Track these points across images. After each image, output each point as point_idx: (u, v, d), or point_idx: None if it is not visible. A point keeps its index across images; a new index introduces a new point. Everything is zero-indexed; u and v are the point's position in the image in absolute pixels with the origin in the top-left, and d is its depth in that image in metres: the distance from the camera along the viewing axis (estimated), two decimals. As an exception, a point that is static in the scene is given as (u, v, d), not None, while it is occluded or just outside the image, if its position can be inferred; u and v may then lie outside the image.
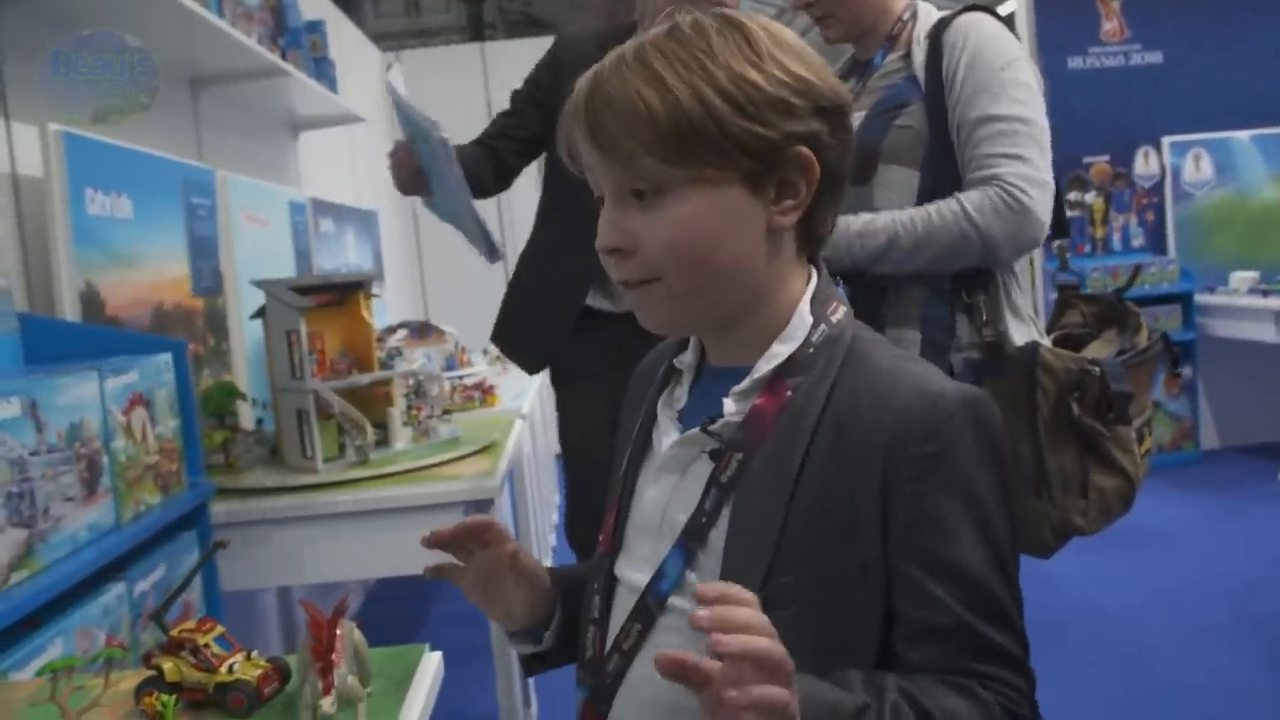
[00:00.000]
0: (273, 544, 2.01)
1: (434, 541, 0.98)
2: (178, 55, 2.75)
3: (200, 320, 2.61)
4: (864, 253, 1.70)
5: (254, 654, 1.07)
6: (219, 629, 1.09)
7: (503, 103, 2.53)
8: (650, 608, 0.87)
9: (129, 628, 1.67)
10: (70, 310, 2.03)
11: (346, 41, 4.93)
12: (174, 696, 1.03)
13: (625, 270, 0.86)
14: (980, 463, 0.83)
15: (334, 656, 0.96)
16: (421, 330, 3.63)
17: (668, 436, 0.93)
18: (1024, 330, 1.71)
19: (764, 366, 0.87)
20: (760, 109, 0.82)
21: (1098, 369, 1.58)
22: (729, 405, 0.87)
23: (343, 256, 3.99)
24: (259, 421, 2.56)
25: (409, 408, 2.38)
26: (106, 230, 2.17)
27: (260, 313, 2.30)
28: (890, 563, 0.82)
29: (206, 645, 1.06)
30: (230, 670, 1.04)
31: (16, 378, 1.52)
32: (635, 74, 0.82)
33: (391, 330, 3.39)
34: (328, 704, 0.94)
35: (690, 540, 0.86)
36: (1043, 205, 1.65)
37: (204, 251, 2.67)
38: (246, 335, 2.82)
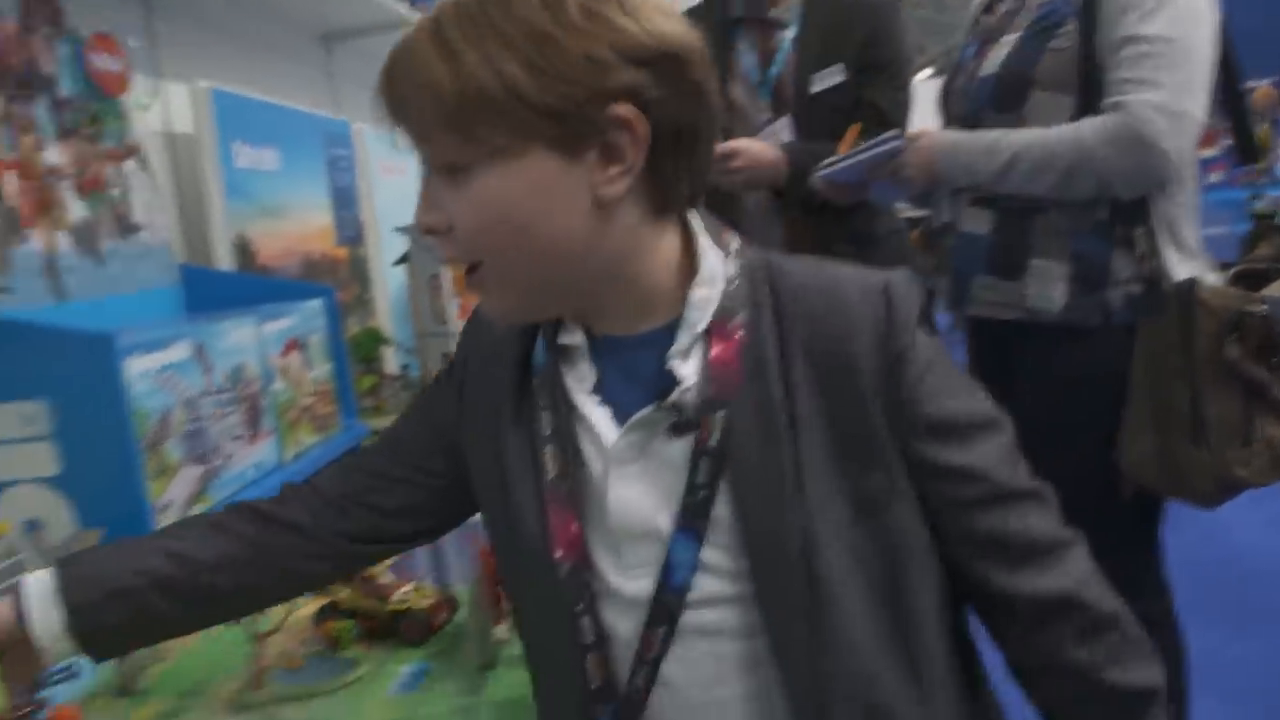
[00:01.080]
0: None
1: None
2: (310, 11, 2.79)
3: (344, 269, 2.68)
4: (985, 171, 1.62)
5: (424, 584, 1.10)
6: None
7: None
8: (669, 606, 0.77)
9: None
10: (225, 261, 2.09)
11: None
12: (350, 623, 1.07)
13: (448, 249, 0.77)
14: (931, 343, 0.79)
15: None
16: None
17: (602, 425, 0.79)
18: (1190, 266, 1.59)
19: (696, 315, 0.77)
20: (559, 67, 0.70)
21: (1262, 308, 1.47)
22: (681, 368, 0.76)
23: (474, 205, 4.04)
24: (404, 366, 2.61)
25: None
26: (255, 183, 2.22)
27: (404, 259, 2.34)
28: (914, 477, 0.78)
29: (379, 575, 1.09)
30: (403, 600, 1.07)
31: (184, 323, 1.58)
32: (428, 42, 0.72)
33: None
34: (501, 630, 0.95)
35: (693, 521, 0.76)
36: (1172, 138, 1.50)
37: (345, 201, 2.73)
38: (389, 281, 2.88)
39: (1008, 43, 1.66)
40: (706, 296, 0.77)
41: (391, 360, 2.59)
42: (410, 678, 1.00)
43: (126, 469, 1.32)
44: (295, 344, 1.83)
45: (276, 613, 1.05)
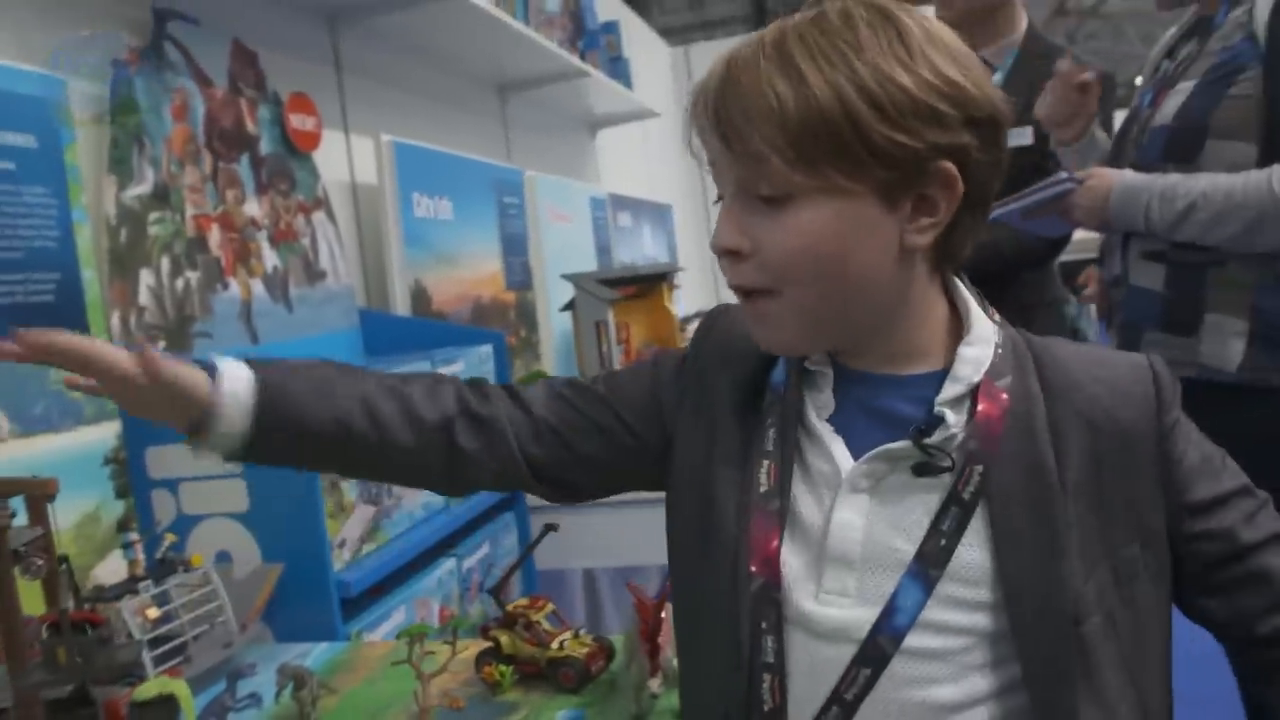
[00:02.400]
0: (582, 527, 2.10)
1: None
2: (487, 64, 2.91)
3: (512, 313, 2.77)
4: (1161, 217, 1.55)
5: (581, 632, 1.12)
6: (550, 606, 1.15)
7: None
8: (883, 647, 0.75)
9: (459, 600, 1.79)
10: (402, 305, 2.20)
11: (636, 39, 5.06)
12: (509, 668, 1.10)
13: (740, 275, 0.77)
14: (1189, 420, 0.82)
15: (660, 639, 0.98)
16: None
17: (837, 451, 0.79)
18: None
19: (967, 371, 0.78)
20: (905, 115, 0.71)
21: None
22: (949, 415, 0.77)
23: (640, 249, 4.11)
24: (567, 409, 2.68)
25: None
26: (431, 231, 2.33)
27: (570, 305, 2.40)
28: (1179, 530, 0.79)
29: (539, 622, 1.13)
30: (561, 646, 1.10)
31: (378, 366, 1.67)
32: (771, 64, 0.73)
33: (689, 320, 3.45)
34: (655, 685, 0.97)
35: (928, 567, 0.75)
36: None
37: (515, 248, 2.82)
38: (554, 326, 2.96)
39: (1183, 90, 1.59)
40: (979, 355, 0.78)
41: (555, 402, 2.66)
42: (566, 724, 1.03)
43: (310, 508, 1.40)
44: (465, 388, 1.91)
45: (441, 651, 1.10)
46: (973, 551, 0.75)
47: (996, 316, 0.83)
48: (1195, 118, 1.55)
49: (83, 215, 1.37)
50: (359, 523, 1.51)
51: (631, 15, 5.19)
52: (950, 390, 0.77)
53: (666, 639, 0.99)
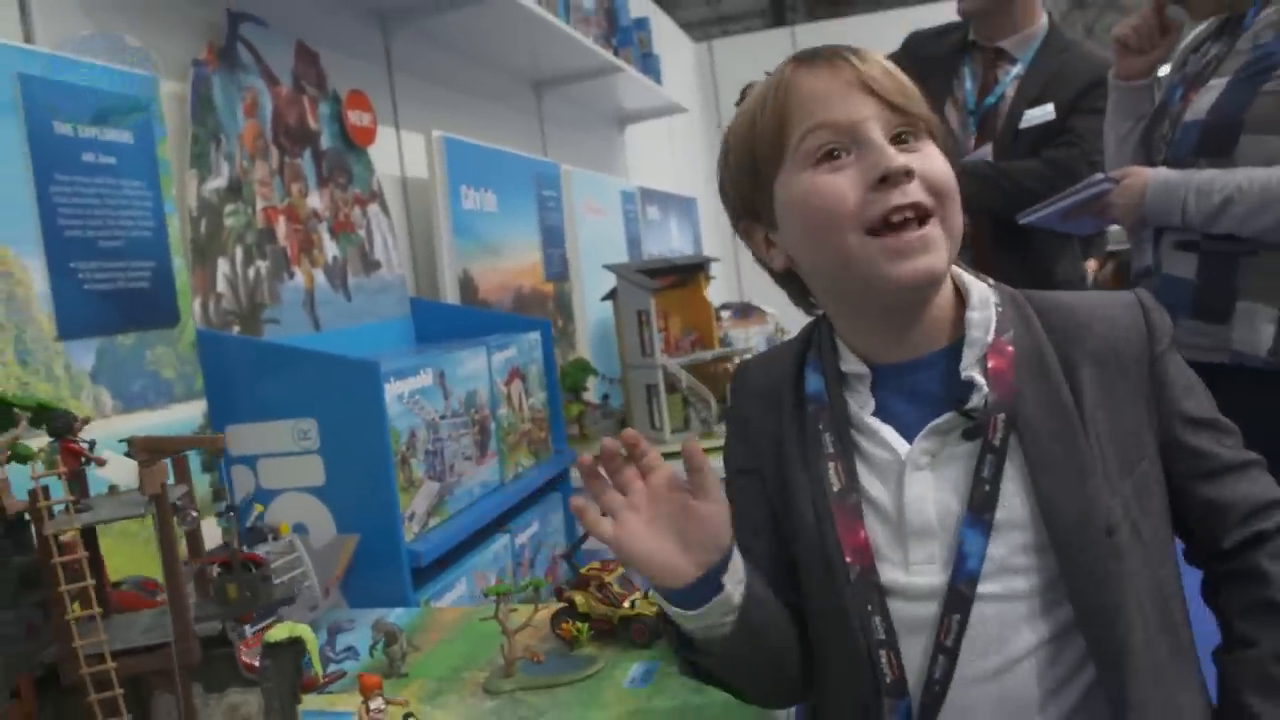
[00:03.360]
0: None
1: (589, 472, 0.85)
2: (524, 61, 3.00)
3: (551, 303, 2.86)
4: (1198, 211, 1.61)
5: (650, 593, 1.21)
6: (620, 570, 1.24)
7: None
8: (963, 592, 0.84)
9: (511, 574, 1.88)
10: (451, 294, 2.29)
11: (663, 34, 5.14)
12: (585, 624, 1.19)
13: (912, 193, 0.85)
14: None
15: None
16: (743, 311, 3.75)
17: (892, 438, 0.89)
18: None
19: (978, 334, 0.89)
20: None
21: None
22: (978, 379, 0.86)
23: (668, 242, 4.19)
24: (605, 397, 2.76)
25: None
26: (477, 223, 2.42)
27: (611, 294, 2.48)
28: (1171, 440, 0.90)
29: (610, 583, 1.21)
30: (632, 606, 1.18)
31: (426, 352, 1.76)
32: (886, 61, 0.90)
33: (722, 309, 3.53)
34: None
35: (980, 513, 0.85)
36: None
37: (553, 239, 2.91)
38: (590, 316, 3.05)
39: (1216, 86, 1.64)
40: (984, 318, 0.90)
41: (592, 389, 2.75)
42: (643, 674, 1.11)
43: (383, 482, 1.49)
44: (517, 373, 2.00)
45: (523, 610, 1.18)
46: (1014, 489, 0.85)
47: (990, 280, 0.94)
48: (1230, 113, 1.61)
49: (172, 207, 1.46)
50: (425, 497, 1.60)
51: (658, 11, 5.27)
52: (969, 356, 0.89)
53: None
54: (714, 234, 5.10)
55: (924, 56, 2.37)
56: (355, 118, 2.07)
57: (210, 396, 1.49)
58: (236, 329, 1.67)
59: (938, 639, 0.85)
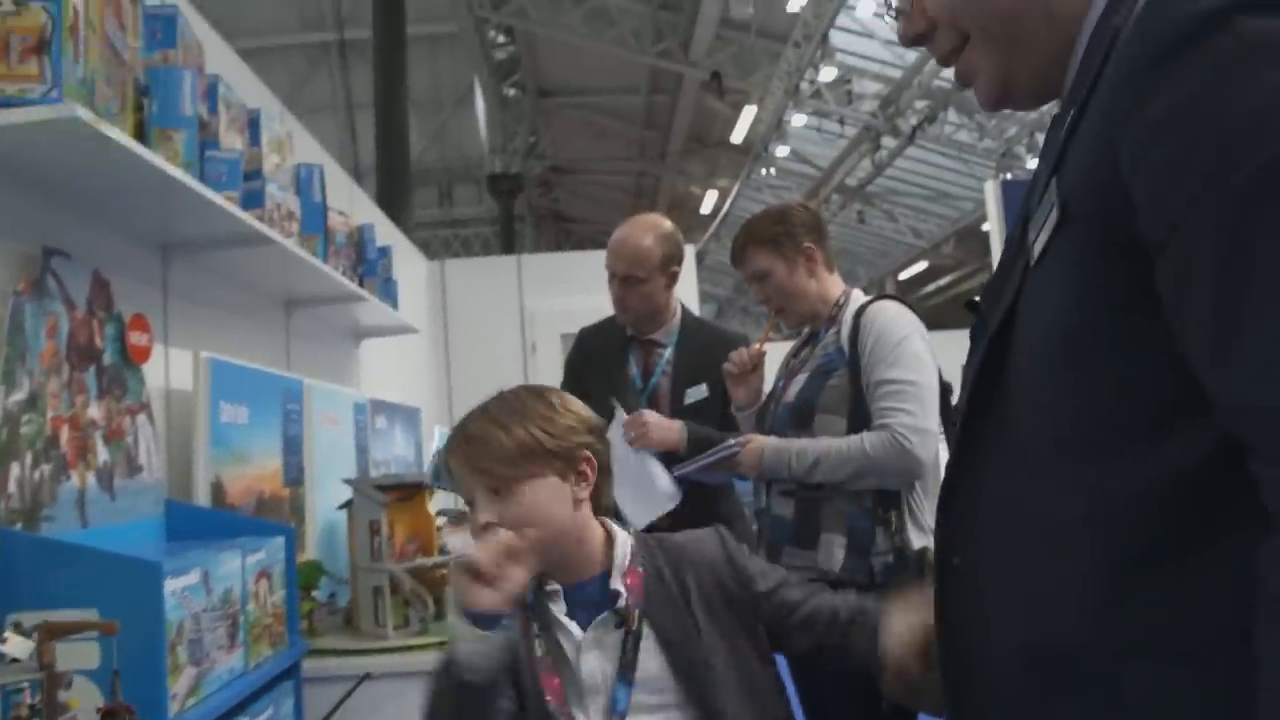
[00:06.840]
0: (353, 696, 2.46)
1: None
2: (277, 284, 3.34)
3: (286, 506, 3.12)
4: (798, 467, 2.31)
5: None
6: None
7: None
8: None
9: (246, 754, 2.11)
10: (203, 497, 2.54)
11: (399, 253, 5.59)
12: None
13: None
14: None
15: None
16: (457, 518, 4.11)
17: (573, 629, 1.44)
18: (924, 539, 2.25)
19: (620, 564, 1.46)
20: (562, 433, 1.49)
21: None
22: (622, 589, 1.44)
23: (392, 449, 4.52)
24: (331, 595, 3.02)
25: (459, 587, 2.87)
26: (231, 434, 2.70)
27: (347, 504, 2.80)
28: (758, 608, 1.49)
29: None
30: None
31: (197, 551, 2.02)
32: (491, 421, 1.48)
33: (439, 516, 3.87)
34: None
35: (627, 674, 1.40)
36: (921, 448, 2.22)
37: (293, 448, 3.20)
38: (320, 518, 3.32)
39: (800, 380, 2.44)
40: (623, 554, 1.47)
41: (320, 589, 3.00)
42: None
43: (155, 666, 1.74)
44: (265, 573, 2.27)
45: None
46: (650, 660, 1.41)
47: (630, 530, 1.55)
48: (808, 398, 2.36)
49: (-12, 420, 1.70)
50: (186, 680, 1.84)
51: (396, 231, 5.74)
52: (616, 577, 1.47)
53: None
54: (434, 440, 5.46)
55: (593, 349, 3.04)
56: (135, 338, 2.35)
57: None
58: (19, 525, 1.88)
59: None
